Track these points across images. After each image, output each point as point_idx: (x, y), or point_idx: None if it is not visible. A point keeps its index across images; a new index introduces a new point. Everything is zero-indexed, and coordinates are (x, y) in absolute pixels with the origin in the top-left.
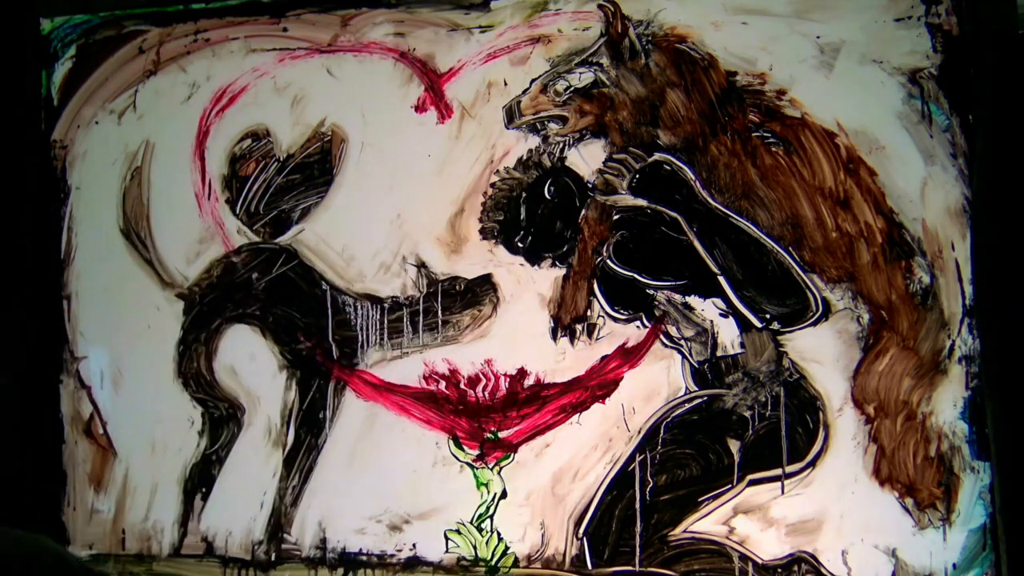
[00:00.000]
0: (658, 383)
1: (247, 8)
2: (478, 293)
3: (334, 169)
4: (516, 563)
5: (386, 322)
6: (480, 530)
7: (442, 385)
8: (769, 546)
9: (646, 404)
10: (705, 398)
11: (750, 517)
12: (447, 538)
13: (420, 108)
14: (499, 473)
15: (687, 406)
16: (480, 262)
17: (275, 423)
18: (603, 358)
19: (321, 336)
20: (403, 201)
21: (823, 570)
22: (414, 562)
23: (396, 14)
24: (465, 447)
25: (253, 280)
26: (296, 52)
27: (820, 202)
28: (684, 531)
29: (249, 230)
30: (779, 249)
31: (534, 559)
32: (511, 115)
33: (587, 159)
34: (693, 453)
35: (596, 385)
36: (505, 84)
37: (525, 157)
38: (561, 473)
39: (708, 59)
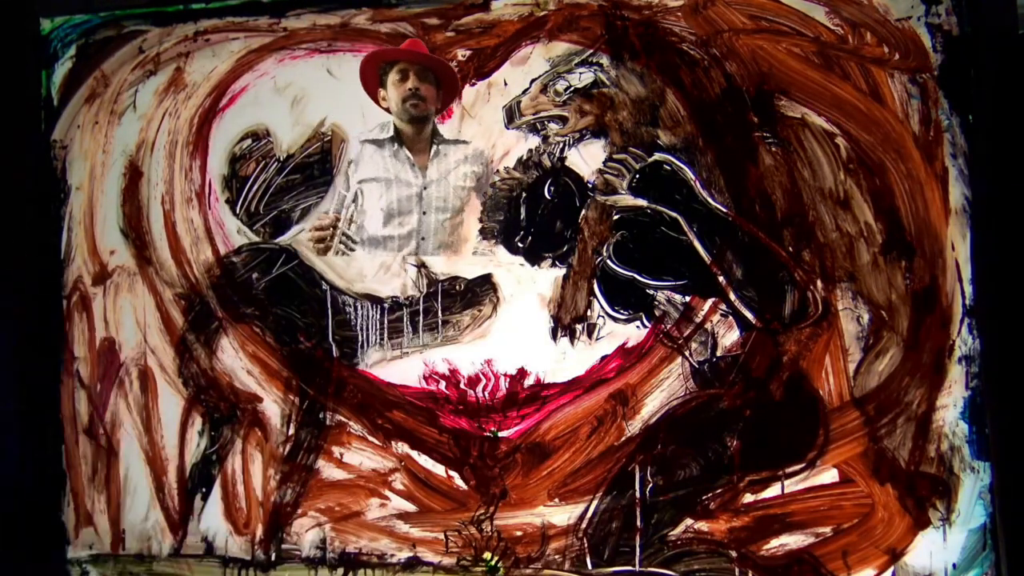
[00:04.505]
0: (658, 383)
1: (247, 8)
2: (478, 293)
3: (334, 169)
4: (516, 563)
5: (386, 322)
6: (480, 530)
7: (442, 385)
8: (769, 546)
9: (645, 404)
10: (705, 398)
11: (750, 517)
12: (447, 538)
13: None
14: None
15: (687, 406)
16: (480, 262)
17: (276, 424)
18: (603, 358)
19: (321, 336)
20: None
21: (823, 570)
22: (414, 562)
23: (396, 14)
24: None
25: (253, 280)
26: (296, 52)
27: (820, 202)
28: (684, 530)
29: (249, 230)
30: (780, 249)
31: (534, 559)
32: (511, 115)
33: (587, 159)
34: (693, 453)
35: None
36: (505, 84)
37: (525, 157)
38: (561, 472)
39: (708, 60)
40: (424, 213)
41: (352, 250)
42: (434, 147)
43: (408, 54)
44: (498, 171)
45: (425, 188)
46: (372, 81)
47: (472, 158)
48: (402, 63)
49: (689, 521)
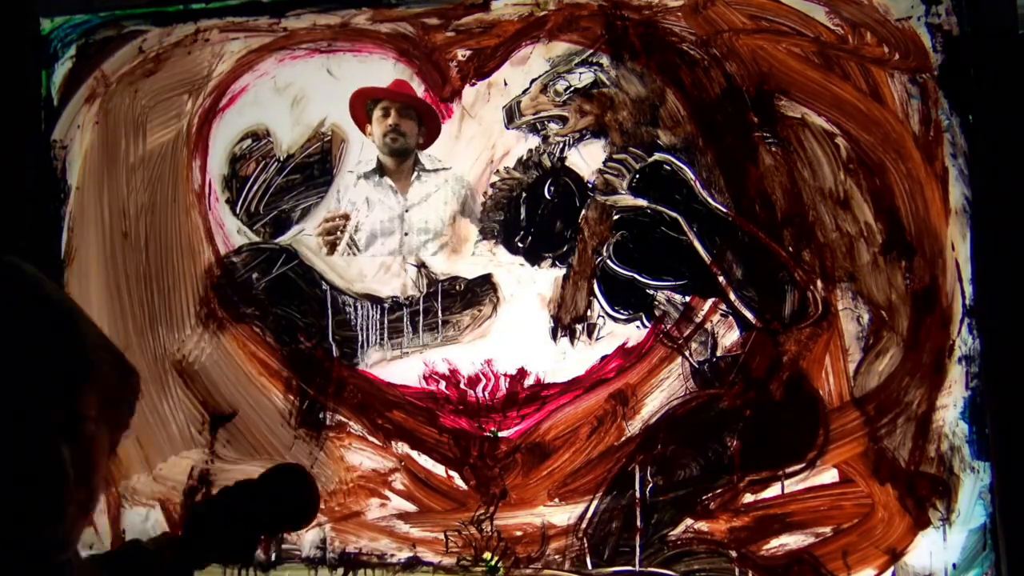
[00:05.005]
0: (658, 383)
1: (247, 8)
2: (478, 293)
3: (334, 169)
4: (516, 563)
5: (386, 322)
6: (480, 530)
7: (442, 385)
8: (769, 546)
9: (645, 404)
10: (705, 398)
11: (750, 517)
12: (447, 538)
13: None
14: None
15: (687, 406)
16: (480, 262)
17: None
18: (603, 358)
19: (321, 336)
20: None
21: (823, 570)
22: (414, 562)
23: (396, 14)
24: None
25: (253, 280)
26: (296, 52)
27: (820, 202)
28: (684, 530)
29: (249, 230)
30: (780, 249)
31: (534, 559)
32: (511, 115)
33: (587, 159)
34: (693, 453)
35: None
36: (505, 84)
37: (525, 157)
38: (561, 472)
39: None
40: (406, 234)
41: (356, 253)
42: (415, 173)
43: (390, 93)
44: (498, 171)
45: (407, 210)
46: (360, 116)
47: (453, 181)
48: (385, 101)
49: (689, 521)
